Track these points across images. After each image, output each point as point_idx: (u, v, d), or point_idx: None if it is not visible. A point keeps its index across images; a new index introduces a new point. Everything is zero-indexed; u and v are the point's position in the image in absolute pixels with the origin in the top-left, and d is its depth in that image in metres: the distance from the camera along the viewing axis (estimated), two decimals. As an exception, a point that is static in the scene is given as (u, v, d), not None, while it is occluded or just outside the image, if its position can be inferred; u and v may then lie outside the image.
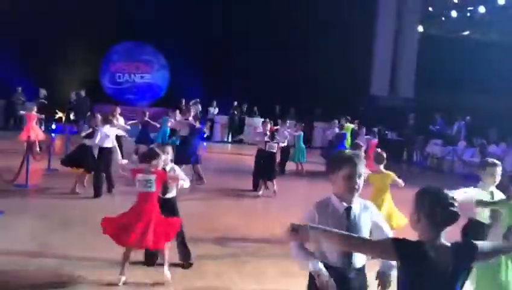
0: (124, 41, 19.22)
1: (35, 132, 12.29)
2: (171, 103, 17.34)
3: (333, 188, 2.69)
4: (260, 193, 9.45)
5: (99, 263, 5.23)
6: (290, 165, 12.50)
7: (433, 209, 2.17)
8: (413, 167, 15.95)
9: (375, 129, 13.56)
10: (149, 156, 4.82)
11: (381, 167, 6.29)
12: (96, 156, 8.42)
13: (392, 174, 6.23)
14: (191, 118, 10.18)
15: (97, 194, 8.27)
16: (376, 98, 20.17)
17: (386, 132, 17.42)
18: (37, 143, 12.18)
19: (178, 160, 7.36)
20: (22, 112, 13.53)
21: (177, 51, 18.20)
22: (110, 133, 8.41)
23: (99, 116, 8.61)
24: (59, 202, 7.93)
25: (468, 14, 18.74)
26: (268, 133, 9.82)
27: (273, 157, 9.67)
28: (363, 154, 2.69)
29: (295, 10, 18.33)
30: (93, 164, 8.43)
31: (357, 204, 2.67)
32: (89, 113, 17.68)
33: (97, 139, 8.25)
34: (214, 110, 19.74)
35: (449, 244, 2.23)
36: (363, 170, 2.64)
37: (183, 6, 18.08)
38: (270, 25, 18.43)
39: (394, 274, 2.51)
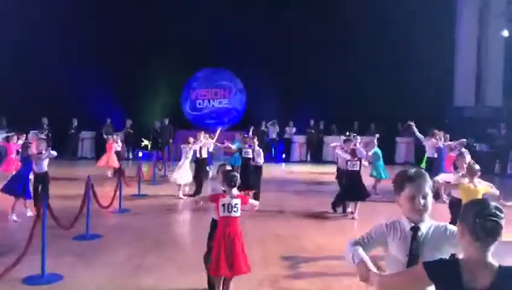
0: (203, 68, 19.98)
1: (112, 159, 13.48)
2: (250, 126, 17.66)
3: (402, 210, 2.55)
4: (356, 215, 9.00)
5: (192, 282, 5.36)
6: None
7: (474, 221, 1.96)
8: (507, 180, 14.85)
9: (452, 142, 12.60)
10: (232, 179, 4.85)
11: (475, 180, 5.90)
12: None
13: (488, 188, 5.83)
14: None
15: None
16: (461, 109, 19.18)
17: (475, 144, 16.44)
18: (112, 169, 13.41)
19: None
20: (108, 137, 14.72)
21: (254, 74, 18.56)
22: None
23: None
24: (150, 225, 8.27)
25: (559, 13, 17.41)
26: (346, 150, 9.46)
27: (357, 176, 9.04)
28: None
29: (372, 26, 18.04)
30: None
31: (427, 225, 2.48)
32: (171, 140, 18.56)
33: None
34: (291, 129, 19.80)
35: (497, 266, 1.98)
36: (428, 189, 2.47)
37: (259, 30, 18.46)
38: (346, 41, 18.28)
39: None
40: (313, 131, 19.41)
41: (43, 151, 8.48)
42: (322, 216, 9.26)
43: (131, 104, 18.98)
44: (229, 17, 18.28)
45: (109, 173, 13.54)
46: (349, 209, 9.30)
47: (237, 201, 4.76)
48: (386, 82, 17.91)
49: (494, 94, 19.64)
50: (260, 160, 9.91)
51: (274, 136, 19.62)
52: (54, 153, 8.77)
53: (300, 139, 19.66)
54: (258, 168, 9.88)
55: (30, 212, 8.33)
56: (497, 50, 19.51)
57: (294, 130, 19.80)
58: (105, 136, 15.01)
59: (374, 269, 2.38)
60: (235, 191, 4.81)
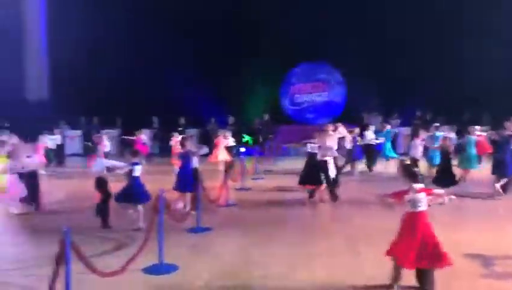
0: (301, 63, 19.94)
1: (223, 154, 14.01)
2: (350, 118, 17.27)
3: None
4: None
5: (301, 278, 5.33)
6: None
7: None
8: None
9: None
10: (415, 173, 4.80)
11: None
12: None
13: None
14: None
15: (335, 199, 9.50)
16: None
17: None
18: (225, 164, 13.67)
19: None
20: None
21: (353, 65, 18.10)
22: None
23: None
24: (258, 218, 8.41)
25: None
26: None
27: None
28: None
29: (484, 7, 16.70)
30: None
31: None
32: (271, 135, 18.76)
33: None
34: (395, 121, 18.99)
35: None
36: None
37: (355, 19, 17.99)
38: (454, 24, 17.10)
39: None
40: (419, 122, 18.42)
41: (193, 149, 8.93)
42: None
43: (233, 102, 19.49)
44: (324, 9, 18.00)
45: (221, 168, 13.98)
46: None
47: (421, 195, 4.72)
48: (501, 70, 16.46)
49: None
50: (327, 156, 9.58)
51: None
52: (207, 149, 9.61)
53: (406, 131, 18.78)
54: (324, 163, 9.50)
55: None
56: None
57: (398, 121, 18.99)
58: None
59: None
60: (418, 185, 4.75)
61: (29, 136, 12.34)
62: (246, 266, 5.81)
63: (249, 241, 6.90)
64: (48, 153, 14.27)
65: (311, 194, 9.64)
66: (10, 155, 8.92)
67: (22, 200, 9.04)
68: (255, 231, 7.42)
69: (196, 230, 7.37)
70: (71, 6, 18.58)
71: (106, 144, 12.84)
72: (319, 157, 9.47)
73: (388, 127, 14.86)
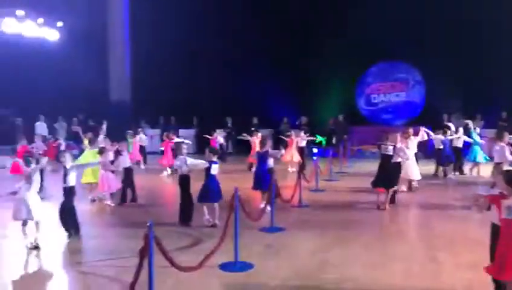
0: (377, 62, 19.41)
1: (296, 155, 14.04)
2: (429, 119, 16.55)
3: None
4: None
5: (377, 280, 5.20)
6: None
7: None
8: None
9: None
10: None
11: None
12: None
13: None
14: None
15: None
16: None
17: None
18: (298, 164, 13.68)
19: None
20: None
21: (432, 64, 17.34)
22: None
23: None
24: (331, 220, 8.32)
25: None
26: None
27: None
28: None
29: None
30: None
31: None
32: (345, 136, 18.43)
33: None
34: (478, 123, 17.93)
35: None
36: None
37: (434, 16, 17.23)
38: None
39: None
40: (505, 124, 17.26)
41: (270, 150, 9.06)
42: None
43: (306, 102, 19.40)
44: (401, 6, 17.38)
45: (290, 169, 14.02)
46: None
47: None
48: None
49: None
50: (400, 158, 9.21)
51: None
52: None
53: (489, 133, 17.66)
54: (398, 165, 9.21)
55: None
56: None
57: (482, 123, 17.91)
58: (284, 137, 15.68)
59: None
60: None
61: (116, 135, 13.06)
62: (321, 267, 5.77)
63: (323, 242, 6.85)
64: (142, 150, 15.36)
65: (392, 199, 9.35)
66: (101, 152, 9.46)
67: (113, 194, 9.65)
68: (329, 233, 7.34)
69: (270, 230, 7.42)
70: (151, 11, 19.40)
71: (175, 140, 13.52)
72: (393, 159, 9.19)
73: (478, 128, 14.34)
